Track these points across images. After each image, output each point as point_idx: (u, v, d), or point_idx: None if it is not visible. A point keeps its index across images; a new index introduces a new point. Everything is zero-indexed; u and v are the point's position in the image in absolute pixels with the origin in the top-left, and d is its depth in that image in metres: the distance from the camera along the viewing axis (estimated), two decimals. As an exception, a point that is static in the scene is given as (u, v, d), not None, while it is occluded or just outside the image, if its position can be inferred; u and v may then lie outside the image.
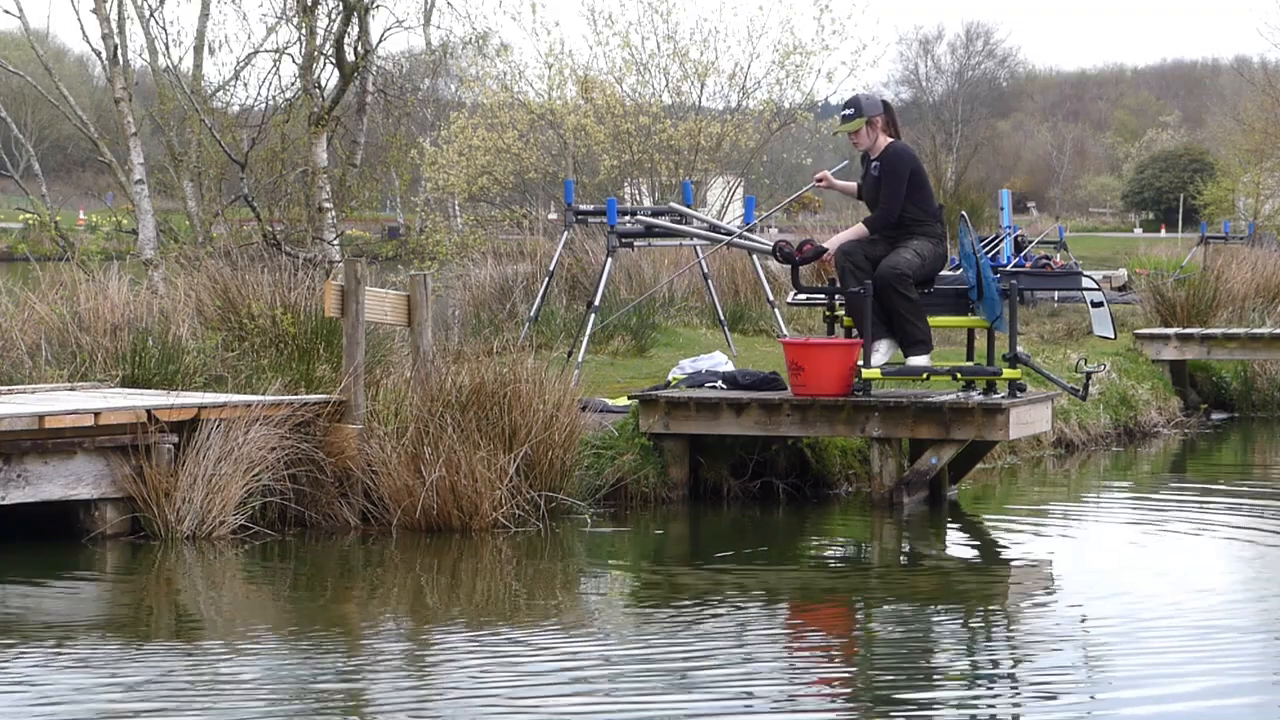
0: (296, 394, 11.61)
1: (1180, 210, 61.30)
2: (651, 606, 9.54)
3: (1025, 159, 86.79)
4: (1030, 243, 13.60)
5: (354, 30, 17.86)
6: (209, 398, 11.17)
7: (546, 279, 16.40)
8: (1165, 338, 18.92)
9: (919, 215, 12.27)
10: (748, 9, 42.70)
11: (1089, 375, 12.67)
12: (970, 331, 12.76)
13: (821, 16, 30.16)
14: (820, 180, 12.97)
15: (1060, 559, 11.19)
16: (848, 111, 12.42)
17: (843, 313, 12.50)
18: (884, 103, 12.57)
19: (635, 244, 16.03)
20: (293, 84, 18.19)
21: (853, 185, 12.96)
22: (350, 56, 17.82)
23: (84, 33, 21.19)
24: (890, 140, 12.38)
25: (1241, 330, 19.02)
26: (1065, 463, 15.53)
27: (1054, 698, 7.55)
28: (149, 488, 10.64)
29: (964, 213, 12.43)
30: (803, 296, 13.30)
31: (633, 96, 30.33)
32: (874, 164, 12.39)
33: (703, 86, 30.72)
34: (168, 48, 18.15)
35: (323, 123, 17.32)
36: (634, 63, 30.39)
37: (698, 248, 16.90)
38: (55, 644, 8.36)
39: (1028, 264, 12.63)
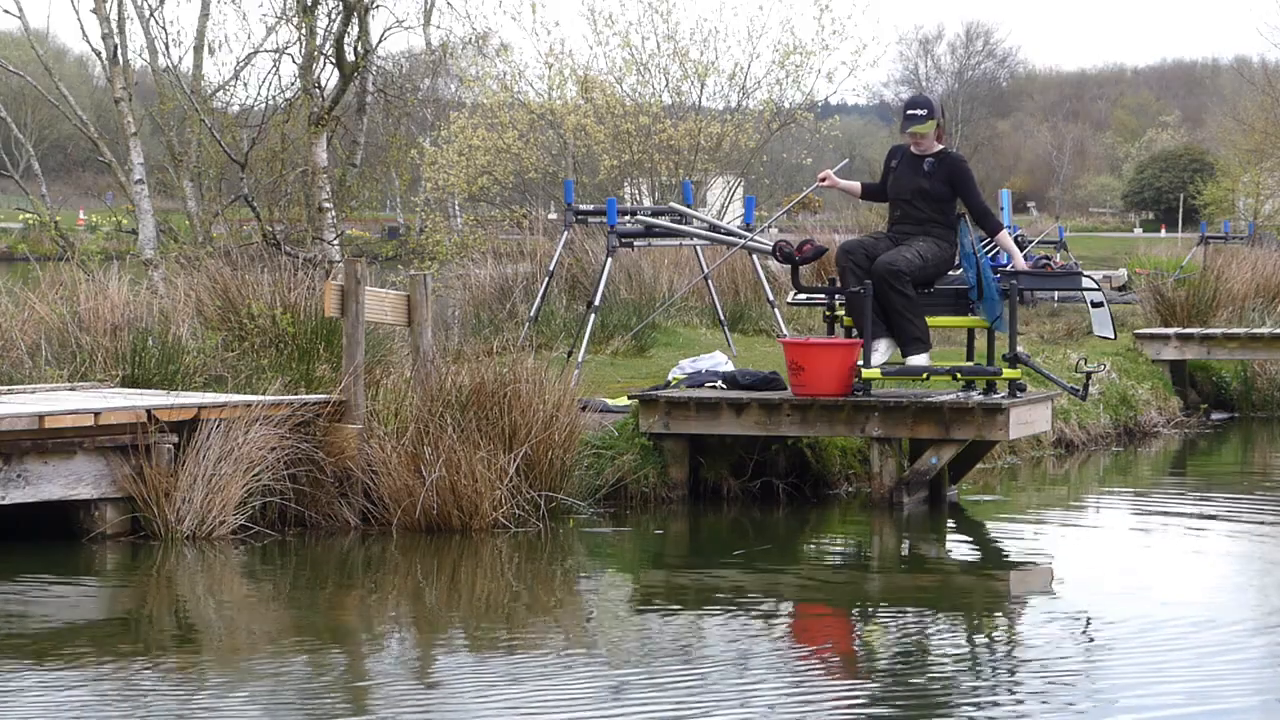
0: (296, 394, 11.60)
1: (1180, 210, 61.31)
2: (651, 607, 9.54)
3: (1025, 159, 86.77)
4: (1030, 242, 13.61)
5: (354, 30, 17.87)
6: (209, 398, 11.17)
7: (546, 279, 16.39)
8: (1165, 338, 18.91)
9: (937, 217, 12.26)
10: (748, 9, 42.77)
11: (1089, 375, 12.66)
12: (970, 331, 12.75)
13: (822, 16, 30.20)
14: (823, 180, 12.94)
15: (1060, 559, 11.20)
16: (921, 111, 12.34)
17: (843, 313, 12.49)
18: (939, 106, 12.62)
19: (635, 244, 16.02)
20: (293, 84, 18.21)
21: (855, 185, 12.95)
22: (350, 56, 17.83)
23: (84, 33, 21.23)
24: (942, 148, 12.39)
25: (1241, 330, 19.01)
26: (1065, 463, 15.52)
27: (1054, 698, 7.55)
28: (149, 488, 10.64)
29: (963, 213, 12.43)
30: (803, 296, 13.29)
31: (633, 96, 30.33)
32: (927, 161, 12.32)
33: (703, 86, 30.76)
34: (168, 48, 18.18)
35: (323, 123, 17.33)
36: (634, 63, 30.41)
37: (698, 248, 16.90)
38: (55, 646, 8.35)
39: (1028, 264, 12.62)
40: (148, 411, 10.66)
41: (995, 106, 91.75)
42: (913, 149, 12.40)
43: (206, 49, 18.28)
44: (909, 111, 12.42)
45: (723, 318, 16.98)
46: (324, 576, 10.33)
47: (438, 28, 20.62)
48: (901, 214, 12.43)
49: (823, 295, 12.87)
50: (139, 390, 11.55)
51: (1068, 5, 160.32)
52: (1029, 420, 12.51)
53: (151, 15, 18.08)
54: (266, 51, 18.36)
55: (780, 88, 30.52)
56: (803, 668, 8.15)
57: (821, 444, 12.99)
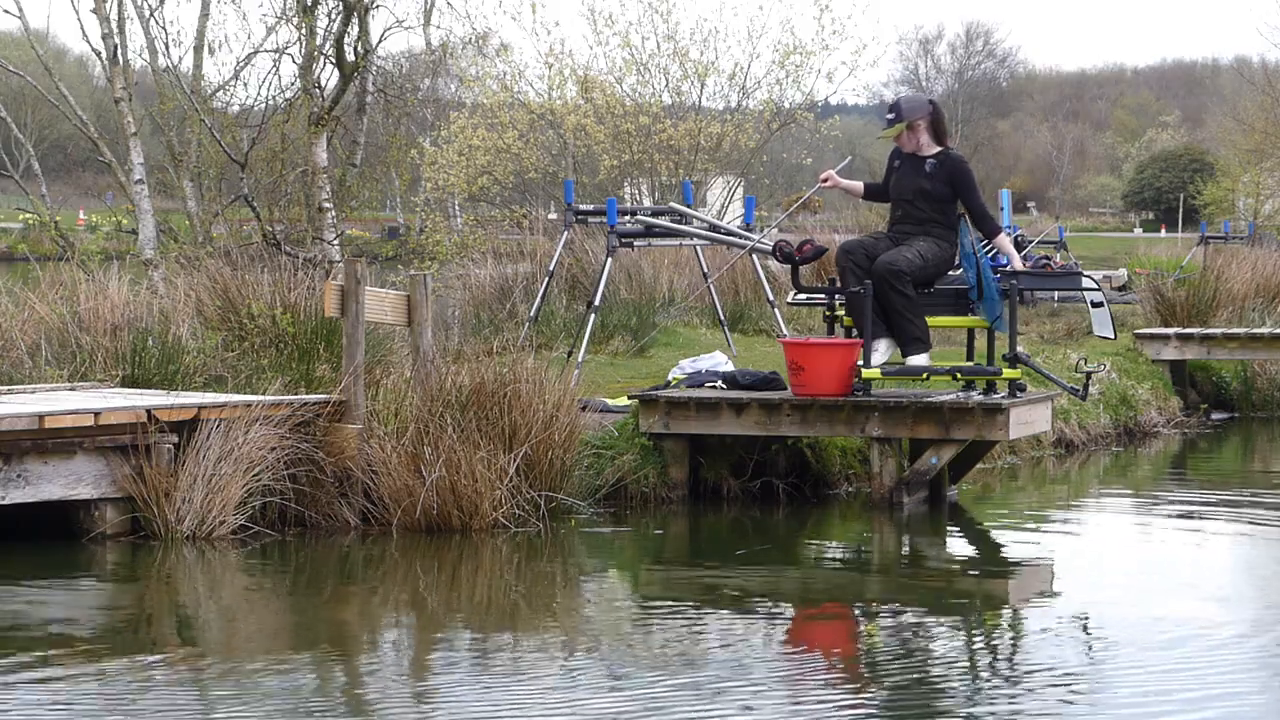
0: (296, 394, 11.60)
1: (1180, 210, 61.31)
2: (651, 607, 9.54)
3: (1025, 159, 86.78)
4: (1030, 242, 13.59)
5: (354, 30, 17.87)
6: (209, 398, 11.17)
7: (546, 279, 16.39)
8: (1165, 338, 18.91)
9: (937, 217, 12.24)
10: (748, 9, 42.81)
11: (1089, 375, 12.66)
12: (970, 331, 12.75)
13: (822, 16, 30.21)
14: (825, 180, 12.92)
15: (1060, 559, 11.20)
16: (889, 116, 12.39)
17: (843, 312, 12.49)
18: (930, 102, 12.50)
19: (635, 244, 16.02)
20: (293, 84, 18.21)
21: (858, 185, 12.94)
22: (350, 56, 17.83)
23: (84, 33, 21.25)
24: (943, 148, 12.31)
25: (1241, 330, 19.01)
26: (1065, 463, 15.52)
27: (1054, 699, 7.55)
28: (149, 488, 10.64)
29: (963, 213, 12.42)
30: (803, 296, 13.29)
31: (633, 96, 30.34)
32: (929, 162, 12.28)
33: (703, 86, 30.77)
34: (168, 48, 18.18)
35: (323, 123, 17.33)
36: (634, 63, 30.42)
37: (698, 248, 16.90)
38: (55, 646, 8.35)
39: (1028, 264, 12.62)
40: (148, 411, 10.66)
41: (995, 106, 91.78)
42: (906, 150, 12.41)
43: (206, 49, 18.29)
44: (886, 116, 12.52)
45: (723, 318, 16.98)
46: (324, 576, 10.33)
47: (438, 28, 20.64)
48: (903, 214, 12.42)
49: (823, 295, 12.87)
50: (139, 390, 11.55)
51: (1068, 5, 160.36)
52: (1029, 420, 12.52)
53: (151, 15, 18.09)
54: (266, 51, 18.38)
55: (780, 88, 30.56)
56: (802, 668, 8.15)
57: (821, 444, 12.99)
